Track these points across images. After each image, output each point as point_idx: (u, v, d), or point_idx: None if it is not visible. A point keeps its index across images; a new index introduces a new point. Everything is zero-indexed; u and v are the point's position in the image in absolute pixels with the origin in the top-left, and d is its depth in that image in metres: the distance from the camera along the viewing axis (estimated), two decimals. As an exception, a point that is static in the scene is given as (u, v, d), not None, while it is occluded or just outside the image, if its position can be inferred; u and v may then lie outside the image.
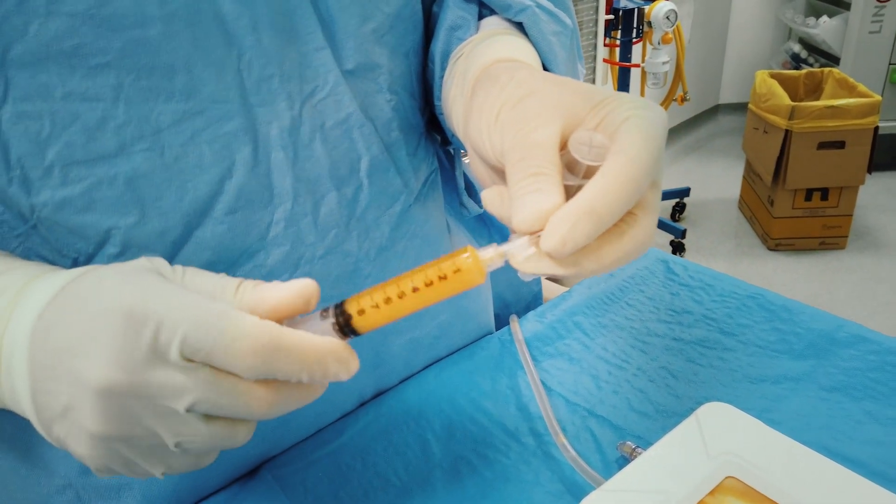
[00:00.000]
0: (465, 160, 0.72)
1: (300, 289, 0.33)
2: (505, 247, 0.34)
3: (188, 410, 0.31)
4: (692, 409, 0.51)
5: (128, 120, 0.39)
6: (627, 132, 0.32)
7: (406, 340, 0.59)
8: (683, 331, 0.65)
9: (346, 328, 0.34)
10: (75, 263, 0.42)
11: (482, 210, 0.66)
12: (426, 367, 0.63)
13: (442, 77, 0.51)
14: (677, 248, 2.65)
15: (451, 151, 0.64)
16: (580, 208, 0.31)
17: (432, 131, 0.60)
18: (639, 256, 0.34)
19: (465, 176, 0.65)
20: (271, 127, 0.44)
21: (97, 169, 0.40)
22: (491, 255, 0.34)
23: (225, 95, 0.42)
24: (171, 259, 0.44)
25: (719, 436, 0.49)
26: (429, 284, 0.33)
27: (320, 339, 0.33)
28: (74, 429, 0.32)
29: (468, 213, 0.66)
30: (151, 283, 0.32)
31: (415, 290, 0.33)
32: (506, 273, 0.76)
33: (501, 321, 0.72)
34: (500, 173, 0.39)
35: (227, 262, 0.45)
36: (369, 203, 0.50)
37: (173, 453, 0.34)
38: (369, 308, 0.34)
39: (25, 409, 0.34)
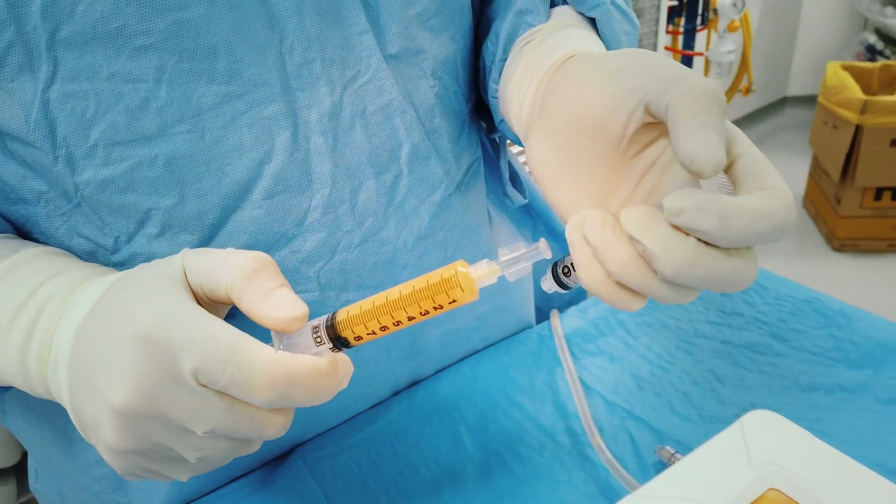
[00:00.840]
0: (512, 150, 0.71)
1: (292, 319, 0.34)
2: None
3: (205, 434, 0.33)
4: (737, 416, 0.48)
5: (169, 101, 0.39)
6: (770, 174, 0.31)
7: (442, 332, 0.58)
8: (733, 333, 0.63)
9: (338, 343, 0.35)
10: (117, 242, 0.42)
11: (526, 201, 0.65)
12: (462, 358, 0.63)
13: (504, 60, 0.49)
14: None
15: (497, 140, 0.63)
16: (749, 207, 0.29)
17: (478, 118, 0.59)
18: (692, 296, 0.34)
19: (510, 165, 0.64)
20: (311, 111, 0.43)
21: (138, 149, 0.40)
22: (481, 272, 0.34)
23: (266, 79, 0.41)
24: (209, 242, 0.44)
25: (764, 445, 0.47)
26: (424, 314, 0.34)
27: (329, 365, 0.34)
28: (99, 439, 0.34)
29: (512, 204, 0.64)
30: (172, 307, 0.33)
31: (410, 318, 0.34)
32: (549, 264, 0.75)
33: (543, 315, 0.70)
34: (568, 156, 0.37)
35: (264, 246, 0.45)
36: (409, 191, 0.49)
37: (194, 463, 0.35)
38: (365, 335, 0.35)
39: (67, 408, 0.36)
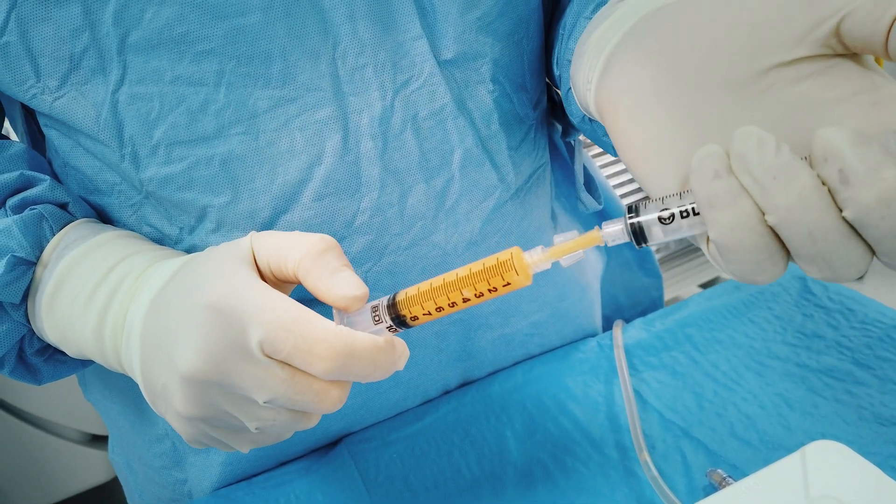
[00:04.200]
0: (589, 154, 0.69)
1: (354, 297, 0.35)
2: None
3: (266, 403, 0.34)
4: (803, 445, 0.45)
5: (227, 104, 0.41)
6: None
7: (496, 336, 0.57)
8: (810, 357, 0.58)
9: (398, 324, 0.35)
10: (181, 233, 0.45)
11: (600, 206, 0.63)
12: (517, 363, 0.62)
13: (589, 18, 0.43)
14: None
15: (573, 143, 0.62)
16: None
17: (552, 121, 0.58)
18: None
19: (585, 170, 0.62)
20: (362, 116, 0.44)
21: (197, 149, 0.42)
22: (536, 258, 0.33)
23: (318, 83, 0.42)
24: None
25: (826, 478, 0.44)
26: (479, 296, 0.34)
27: (386, 343, 0.34)
28: (169, 406, 0.36)
29: (585, 210, 0.63)
30: (241, 281, 0.34)
31: (465, 300, 0.34)
32: (622, 274, 0.73)
33: (611, 326, 0.68)
34: (671, 86, 0.32)
35: None
36: (460, 196, 0.49)
37: (254, 434, 0.37)
38: (421, 315, 0.35)
39: (138, 380, 0.38)
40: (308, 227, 0.45)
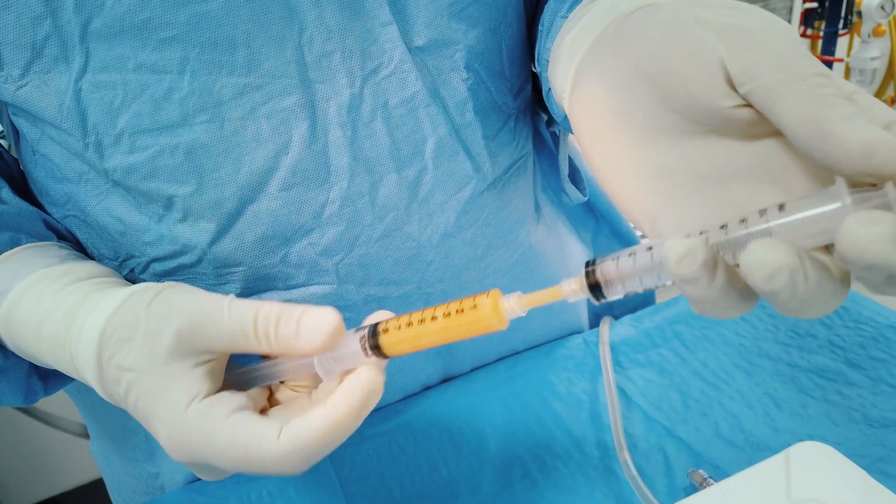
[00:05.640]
0: (576, 145, 0.68)
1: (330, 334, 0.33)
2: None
3: None
4: (790, 446, 0.44)
5: (191, 92, 0.40)
6: None
7: (476, 329, 0.56)
8: (802, 356, 0.57)
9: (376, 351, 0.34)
10: (150, 220, 0.44)
11: (585, 198, 0.61)
12: (501, 359, 0.60)
13: (565, 18, 0.43)
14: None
15: (558, 133, 0.60)
16: None
17: (536, 111, 0.56)
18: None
19: (570, 161, 0.61)
20: (330, 104, 0.43)
21: (161, 138, 0.41)
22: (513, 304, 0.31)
23: (284, 70, 0.41)
24: (227, 231, 0.44)
25: (810, 480, 0.42)
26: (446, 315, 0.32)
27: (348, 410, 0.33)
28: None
29: (570, 201, 0.62)
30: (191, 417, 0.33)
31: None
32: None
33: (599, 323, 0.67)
34: (627, 110, 0.32)
35: (281, 237, 0.45)
36: (434, 187, 0.47)
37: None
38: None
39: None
40: (276, 217, 0.44)
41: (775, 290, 0.24)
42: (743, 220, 0.27)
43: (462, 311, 0.32)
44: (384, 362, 0.34)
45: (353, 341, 0.34)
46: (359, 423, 0.33)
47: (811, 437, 0.48)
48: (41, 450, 1.50)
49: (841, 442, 0.48)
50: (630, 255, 0.29)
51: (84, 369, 0.36)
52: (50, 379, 0.46)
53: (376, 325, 0.34)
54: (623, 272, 0.29)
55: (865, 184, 0.24)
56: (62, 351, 0.37)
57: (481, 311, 0.31)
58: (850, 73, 2.31)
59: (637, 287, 0.30)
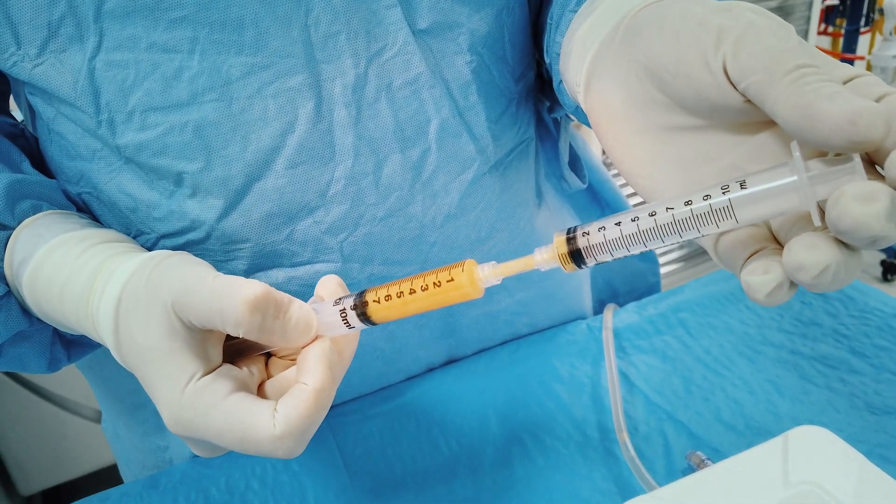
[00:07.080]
0: (580, 133, 0.68)
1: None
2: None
3: None
4: (789, 430, 0.44)
5: (201, 71, 0.41)
6: None
7: (480, 313, 0.57)
8: (805, 344, 0.57)
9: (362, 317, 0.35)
10: (160, 196, 0.45)
11: (584, 185, 0.62)
12: (504, 342, 0.61)
13: (575, 11, 0.44)
14: (889, 269, 2.29)
15: (560, 119, 0.61)
16: None
17: (539, 98, 0.57)
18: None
19: (571, 149, 0.61)
20: (335, 84, 0.44)
21: (171, 116, 0.42)
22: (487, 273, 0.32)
23: (291, 50, 0.42)
24: (234, 207, 0.45)
25: (807, 463, 0.42)
26: (424, 288, 0.33)
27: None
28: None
29: (569, 188, 0.62)
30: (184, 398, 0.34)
31: (412, 291, 0.33)
32: (617, 260, 0.72)
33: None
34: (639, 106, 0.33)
35: (287, 215, 0.46)
36: (437, 167, 0.48)
37: None
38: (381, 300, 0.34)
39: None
40: (282, 195, 0.45)
41: (820, 284, 0.25)
42: (706, 196, 0.28)
43: (439, 283, 0.32)
44: (357, 332, 0.35)
45: (334, 313, 0.34)
46: (334, 390, 0.33)
47: (811, 423, 0.48)
48: (57, 434, 1.52)
49: (842, 428, 0.48)
50: (606, 224, 0.30)
51: (105, 336, 0.36)
52: (73, 346, 0.47)
53: (363, 292, 0.34)
54: (601, 238, 0.30)
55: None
56: (84, 314, 0.38)
57: (457, 280, 0.32)
58: (872, 71, 2.28)
59: (607, 256, 0.31)
